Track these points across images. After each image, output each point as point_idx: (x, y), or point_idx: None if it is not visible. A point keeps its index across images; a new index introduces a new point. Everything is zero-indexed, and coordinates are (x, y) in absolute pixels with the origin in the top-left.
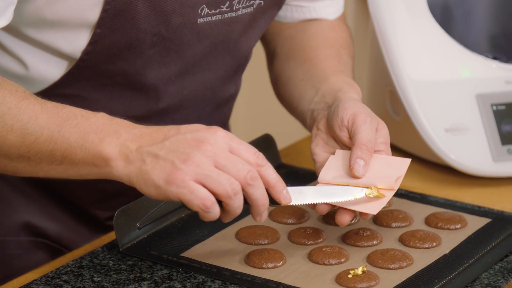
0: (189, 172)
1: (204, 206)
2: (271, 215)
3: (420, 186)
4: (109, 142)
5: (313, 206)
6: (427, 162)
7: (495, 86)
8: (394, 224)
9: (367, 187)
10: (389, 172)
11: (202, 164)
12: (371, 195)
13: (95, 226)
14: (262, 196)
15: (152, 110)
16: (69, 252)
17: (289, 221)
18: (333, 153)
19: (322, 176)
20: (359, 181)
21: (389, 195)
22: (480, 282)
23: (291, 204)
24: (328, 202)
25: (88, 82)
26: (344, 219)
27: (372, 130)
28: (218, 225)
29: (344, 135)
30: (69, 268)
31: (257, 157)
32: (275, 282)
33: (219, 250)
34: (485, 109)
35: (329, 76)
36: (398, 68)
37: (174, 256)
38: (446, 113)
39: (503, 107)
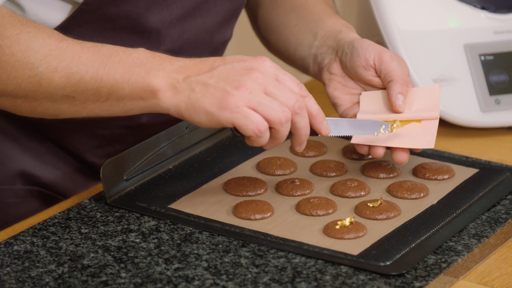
0: (242, 98)
1: (259, 131)
2: (258, 166)
3: None
4: (155, 74)
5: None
6: None
7: (483, 36)
8: (381, 175)
9: (401, 121)
10: (426, 102)
11: (254, 91)
12: (397, 128)
13: (91, 174)
14: (306, 126)
15: None
16: (65, 200)
17: (277, 172)
18: (357, 94)
19: (361, 117)
20: (401, 116)
21: (435, 125)
22: (468, 232)
23: (329, 135)
24: (360, 135)
25: (90, 27)
26: (402, 157)
27: (401, 65)
28: (205, 177)
29: (370, 74)
30: (56, 220)
31: (300, 88)
32: (262, 234)
33: (207, 202)
34: (473, 59)
35: (325, 20)
36: (386, 18)
37: (162, 207)
38: (434, 64)
39: (491, 57)
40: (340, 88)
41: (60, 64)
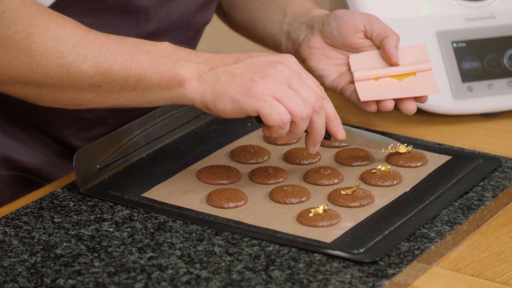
0: (268, 87)
1: (282, 122)
2: (232, 155)
3: (381, 124)
4: (182, 64)
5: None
6: None
7: (455, 23)
8: (355, 163)
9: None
10: (416, 57)
11: (279, 83)
12: (404, 149)
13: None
14: (322, 126)
15: (140, 34)
16: (48, 184)
17: (251, 160)
18: (343, 64)
19: (358, 76)
20: (396, 69)
21: (431, 74)
22: (440, 219)
23: (342, 139)
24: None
25: (79, 8)
26: (411, 106)
27: (391, 28)
28: (179, 166)
29: (358, 37)
30: (29, 209)
31: (321, 89)
32: (236, 222)
33: (180, 190)
34: (445, 46)
35: None
36: (359, 5)
37: (135, 196)
38: None
39: (463, 44)
40: (324, 60)
41: (89, 54)
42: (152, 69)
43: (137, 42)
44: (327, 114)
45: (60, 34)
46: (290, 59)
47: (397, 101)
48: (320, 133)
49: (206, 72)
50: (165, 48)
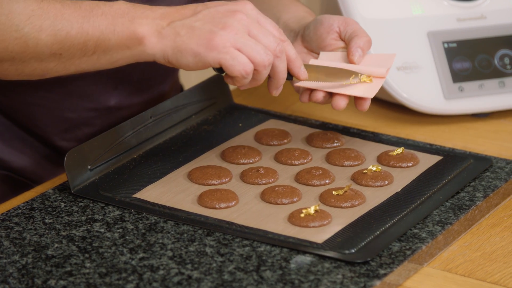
0: (229, 38)
1: (245, 73)
2: (223, 155)
3: (372, 124)
4: (139, 22)
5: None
6: (379, 101)
7: (446, 23)
8: (346, 163)
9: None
10: (379, 64)
11: (239, 32)
12: (366, 79)
13: (59, 159)
14: (284, 70)
15: None
16: (36, 186)
17: (242, 161)
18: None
19: (314, 62)
20: (352, 67)
21: (380, 82)
22: (432, 219)
23: (304, 80)
24: (327, 88)
25: None
26: (340, 103)
27: (365, 32)
28: (170, 166)
29: (332, 38)
30: (20, 210)
31: (280, 32)
32: (227, 222)
33: (171, 191)
34: (436, 46)
35: (287, 5)
36: (350, 6)
37: (126, 197)
38: (398, 52)
39: (454, 45)
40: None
41: (44, 23)
42: (110, 30)
43: (92, 4)
44: (288, 56)
45: (14, 7)
46: (247, 6)
47: (332, 96)
48: (282, 76)
49: (165, 27)
50: (120, 7)
